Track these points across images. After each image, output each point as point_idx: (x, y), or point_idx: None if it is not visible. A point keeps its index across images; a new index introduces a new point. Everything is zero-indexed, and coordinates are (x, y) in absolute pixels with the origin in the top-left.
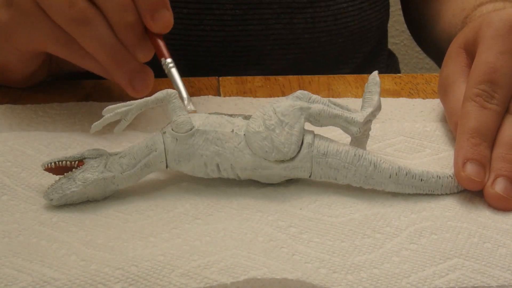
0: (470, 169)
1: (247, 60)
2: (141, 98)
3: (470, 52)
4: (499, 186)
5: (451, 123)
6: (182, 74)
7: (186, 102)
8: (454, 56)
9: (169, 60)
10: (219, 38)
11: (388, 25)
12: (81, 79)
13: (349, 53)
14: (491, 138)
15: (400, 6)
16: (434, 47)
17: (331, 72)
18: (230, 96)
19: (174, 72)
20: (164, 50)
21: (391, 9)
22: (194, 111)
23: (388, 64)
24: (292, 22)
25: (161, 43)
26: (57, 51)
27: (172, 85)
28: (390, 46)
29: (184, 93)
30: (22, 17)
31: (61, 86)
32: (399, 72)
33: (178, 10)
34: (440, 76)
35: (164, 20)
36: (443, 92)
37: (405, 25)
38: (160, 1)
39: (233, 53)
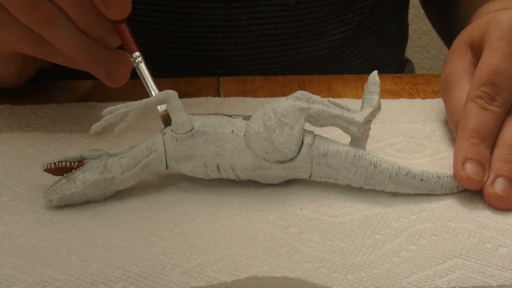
0: (469, 168)
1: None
2: (118, 86)
3: (475, 50)
4: (498, 186)
5: (451, 122)
6: (181, 72)
7: (153, 101)
8: (458, 53)
9: (137, 53)
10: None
11: None
12: (81, 79)
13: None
14: (491, 139)
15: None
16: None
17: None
18: (230, 96)
19: (143, 67)
20: (131, 43)
21: None
22: (166, 113)
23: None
24: None
25: (126, 35)
26: (29, 50)
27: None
28: None
29: (154, 92)
30: None
31: (60, 86)
32: None
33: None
34: (442, 72)
35: (118, 4)
36: (445, 90)
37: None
38: None
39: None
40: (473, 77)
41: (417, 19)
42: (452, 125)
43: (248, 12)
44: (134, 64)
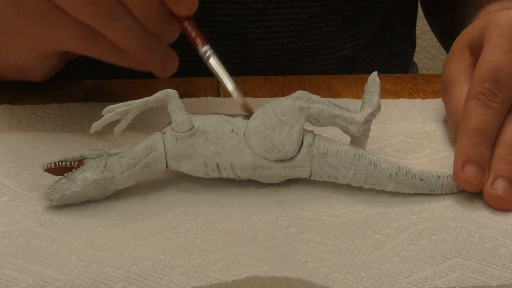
0: (469, 170)
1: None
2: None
3: (474, 51)
4: (498, 187)
5: (451, 123)
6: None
7: (233, 94)
8: (457, 55)
9: (206, 48)
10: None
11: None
12: (81, 79)
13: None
14: (492, 138)
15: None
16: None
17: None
18: (230, 96)
19: (214, 61)
20: (198, 36)
21: None
22: (247, 105)
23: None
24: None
25: (192, 28)
26: (81, 49)
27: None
28: None
29: (230, 85)
30: (35, 18)
31: (60, 86)
32: None
33: None
34: (442, 73)
35: (188, 1)
36: (444, 91)
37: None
38: None
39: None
40: (474, 74)
41: (417, 19)
42: (451, 126)
43: (260, 26)
44: (204, 58)
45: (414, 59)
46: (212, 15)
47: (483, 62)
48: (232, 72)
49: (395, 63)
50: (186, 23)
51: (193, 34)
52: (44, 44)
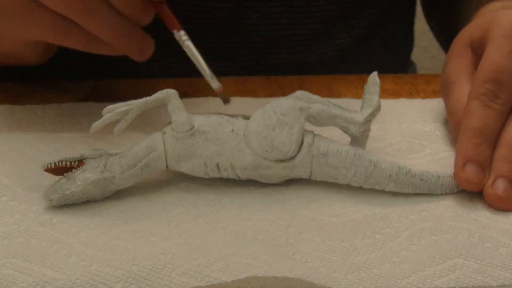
0: (470, 170)
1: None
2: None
3: (475, 50)
4: (499, 187)
5: (451, 123)
6: (187, 70)
7: (209, 79)
8: (458, 53)
9: (182, 32)
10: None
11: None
12: (81, 79)
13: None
14: (493, 139)
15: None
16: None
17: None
18: (230, 96)
19: (191, 45)
20: (174, 21)
21: None
22: (221, 89)
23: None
24: None
25: (169, 13)
26: (58, 41)
27: (192, 61)
28: None
29: (207, 69)
30: (11, 11)
31: (60, 86)
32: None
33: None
34: (442, 72)
35: None
36: (445, 90)
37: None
38: None
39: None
40: (476, 74)
41: (417, 19)
42: (452, 126)
43: (258, 11)
44: (180, 42)
45: (414, 59)
46: (210, 0)
47: (485, 62)
48: (228, 58)
49: (393, 59)
50: (163, 6)
51: (169, 19)
52: (23, 36)
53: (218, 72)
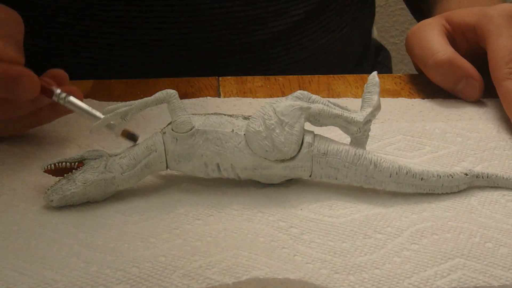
0: None
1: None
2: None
3: (453, 27)
4: None
5: (431, 64)
6: (144, 57)
7: (108, 127)
8: (433, 20)
9: (58, 90)
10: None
11: (388, 25)
12: (81, 79)
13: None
14: None
15: (399, 6)
16: None
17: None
18: (230, 96)
19: (73, 99)
20: (49, 87)
21: (390, 9)
22: (125, 131)
23: (378, 61)
24: None
25: (47, 83)
26: None
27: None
28: (390, 46)
29: (97, 113)
30: None
31: None
32: (390, 69)
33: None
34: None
35: (27, 89)
36: (417, 38)
37: (405, 25)
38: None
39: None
40: (493, 62)
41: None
42: (432, 68)
43: None
44: (62, 102)
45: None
46: None
47: (496, 51)
48: (185, 43)
49: (350, 29)
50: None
51: (47, 86)
52: None
53: (172, 57)
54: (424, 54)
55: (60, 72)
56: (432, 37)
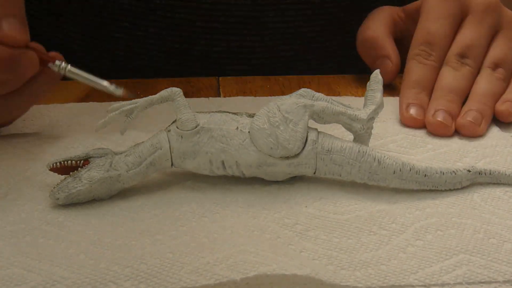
0: (412, 110)
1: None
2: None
3: (406, 13)
4: (439, 116)
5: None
6: (204, 68)
7: (110, 90)
8: (390, 8)
9: (57, 62)
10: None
11: None
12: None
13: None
14: (429, 88)
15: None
16: None
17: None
18: (230, 96)
19: (73, 68)
20: (47, 56)
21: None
22: (125, 95)
23: None
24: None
25: (40, 50)
26: None
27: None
28: None
29: (103, 82)
30: None
31: (61, 86)
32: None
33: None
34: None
35: (28, 65)
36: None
37: None
38: None
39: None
40: (412, 39)
41: None
42: (359, 43)
43: (274, 9)
44: (62, 72)
45: None
46: None
47: (418, 29)
48: (245, 57)
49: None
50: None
51: (43, 56)
52: None
53: (234, 70)
54: (360, 30)
55: (36, 45)
56: (375, 19)
